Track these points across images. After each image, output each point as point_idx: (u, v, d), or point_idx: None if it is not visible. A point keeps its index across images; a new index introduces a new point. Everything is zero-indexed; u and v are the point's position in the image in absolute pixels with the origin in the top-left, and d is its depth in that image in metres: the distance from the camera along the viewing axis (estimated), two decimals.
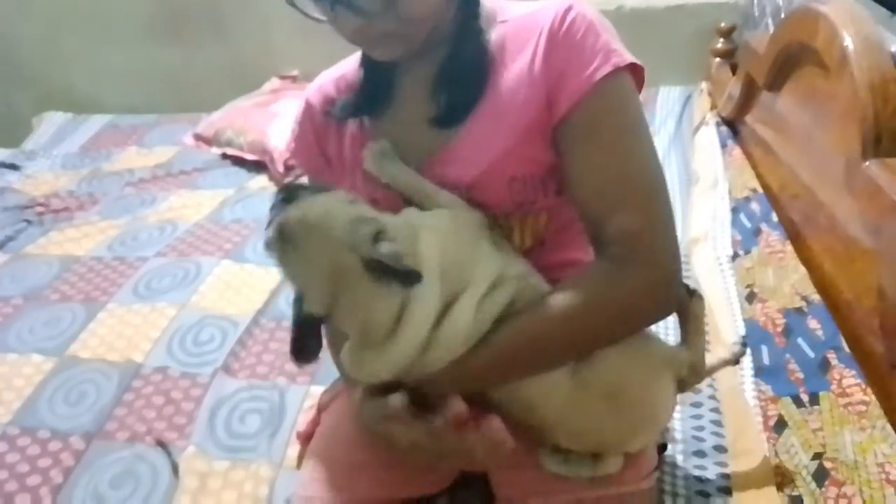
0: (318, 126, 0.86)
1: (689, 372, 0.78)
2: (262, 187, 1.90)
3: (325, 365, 1.14)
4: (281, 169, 1.89)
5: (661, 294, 0.70)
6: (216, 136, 2.12)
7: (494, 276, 0.70)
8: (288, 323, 1.32)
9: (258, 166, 1.99)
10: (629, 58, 0.71)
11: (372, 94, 0.81)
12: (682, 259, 1.40)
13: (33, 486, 1.05)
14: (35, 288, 1.53)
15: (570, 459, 0.79)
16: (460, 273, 0.68)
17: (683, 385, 0.80)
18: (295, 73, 2.44)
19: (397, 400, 0.68)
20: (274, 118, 2.04)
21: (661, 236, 0.69)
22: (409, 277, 0.63)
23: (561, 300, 0.69)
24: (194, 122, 2.30)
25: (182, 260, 1.57)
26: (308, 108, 0.87)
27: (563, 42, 0.71)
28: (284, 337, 1.30)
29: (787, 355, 1.11)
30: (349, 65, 0.87)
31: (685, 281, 0.78)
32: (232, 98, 2.30)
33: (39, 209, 1.87)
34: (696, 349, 0.79)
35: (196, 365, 1.25)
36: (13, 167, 2.19)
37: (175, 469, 1.05)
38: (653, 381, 0.76)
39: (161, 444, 1.09)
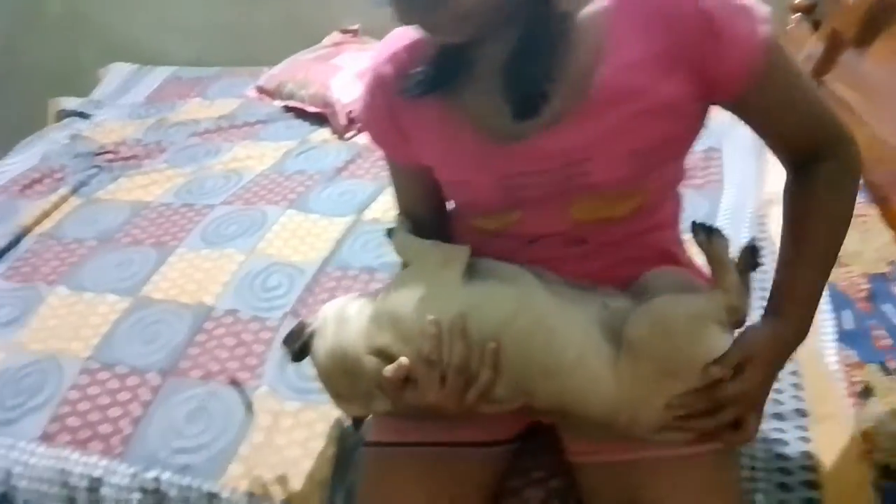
0: (391, 98, 0.79)
1: (732, 312, 0.74)
2: (325, 140, 1.90)
3: None
4: (343, 122, 1.89)
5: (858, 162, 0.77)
6: (278, 89, 2.13)
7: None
8: (354, 273, 1.34)
9: (320, 119, 1.98)
10: (760, 5, 0.68)
11: (448, 68, 0.74)
12: (758, 220, 1.38)
13: (114, 417, 1.09)
14: (107, 231, 1.57)
15: None
16: (410, 320, 0.76)
17: (736, 325, 0.76)
18: (356, 26, 2.41)
19: (389, 371, 0.73)
20: (336, 71, 2.03)
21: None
22: None
23: (825, 200, 0.74)
24: (255, 75, 2.30)
25: (248, 208, 1.58)
26: (378, 79, 0.79)
27: (702, 15, 0.65)
28: (350, 286, 1.31)
29: (873, 321, 1.07)
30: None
31: (707, 223, 0.75)
32: (292, 52, 2.29)
33: (109, 156, 1.91)
34: (729, 287, 0.74)
35: (265, 309, 1.27)
36: (83, 115, 2.24)
37: (249, 406, 1.07)
38: (699, 341, 0.72)
39: (235, 383, 1.12)
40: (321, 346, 0.78)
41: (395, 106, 0.79)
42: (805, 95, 0.73)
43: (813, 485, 0.86)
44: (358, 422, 0.85)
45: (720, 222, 1.34)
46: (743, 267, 0.76)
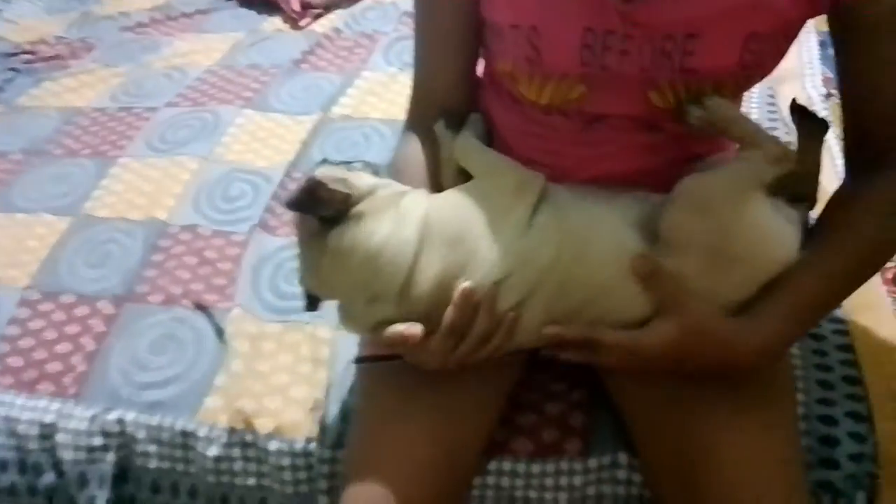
0: None
1: (777, 161, 0.62)
2: (278, 29, 1.68)
3: None
4: (297, 7, 1.67)
5: None
6: None
7: (500, 274, 0.61)
8: None
9: (269, 6, 1.75)
10: None
11: None
12: (768, 97, 1.27)
13: (64, 353, 0.95)
14: (35, 142, 1.36)
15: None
16: (468, 249, 0.62)
17: (786, 181, 0.64)
18: None
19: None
20: None
21: None
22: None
23: (881, 225, 0.62)
24: None
25: (198, 109, 1.39)
26: None
27: None
28: None
29: None
30: None
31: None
32: None
33: (27, 57, 1.66)
34: (760, 140, 0.63)
35: (229, 223, 1.12)
36: None
37: (220, 333, 0.94)
38: (743, 212, 0.62)
39: (201, 308, 0.98)
40: (377, 231, 0.62)
41: None
42: None
43: (855, 381, 0.79)
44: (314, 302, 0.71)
45: None
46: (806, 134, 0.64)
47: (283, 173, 1.20)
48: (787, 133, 1.18)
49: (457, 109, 0.75)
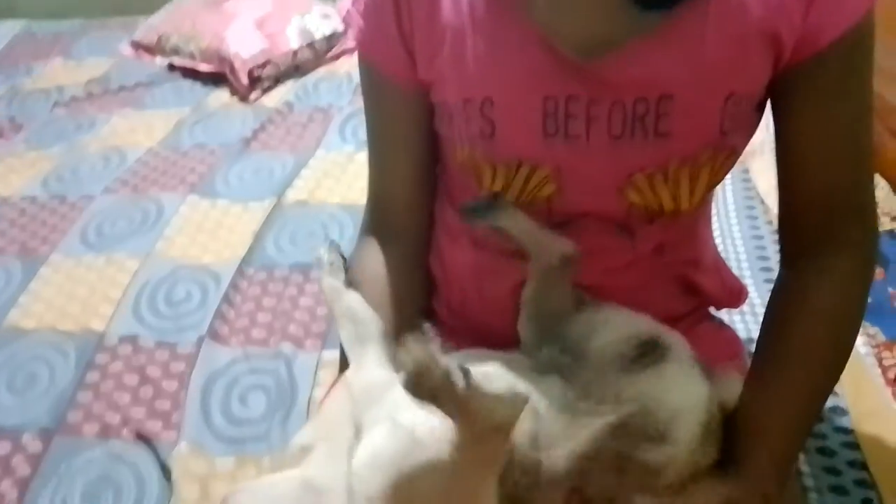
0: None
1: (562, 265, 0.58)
2: (224, 104, 1.59)
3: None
4: (245, 81, 1.59)
5: None
6: (159, 44, 1.78)
7: None
8: (283, 272, 1.10)
9: (216, 79, 1.67)
10: None
11: None
12: (742, 172, 1.24)
13: None
14: None
15: None
16: None
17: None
18: None
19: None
20: (230, 19, 1.71)
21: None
22: None
23: (833, 303, 0.57)
24: (129, 27, 1.94)
25: (138, 198, 1.29)
26: None
27: None
28: (280, 291, 1.06)
29: (890, 289, 0.96)
30: None
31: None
32: None
33: None
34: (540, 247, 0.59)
35: (173, 331, 1.01)
36: None
37: (166, 473, 0.83)
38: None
39: (143, 439, 0.87)
40: None
41: (403, 9, 0.57)
42: (862, 116, 0.57)
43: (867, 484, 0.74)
44: None
45: None
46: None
47: (233, 271, 1.10)
48: (764, 212, 1.16)
49: (413, 222, 0.70)
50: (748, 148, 0.64)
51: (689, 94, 0.53)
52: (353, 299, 0.65)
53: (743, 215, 1.16)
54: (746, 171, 1.22)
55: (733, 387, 0.58)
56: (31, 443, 0.88)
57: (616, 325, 0.58)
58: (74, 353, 0.99)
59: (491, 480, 0.47)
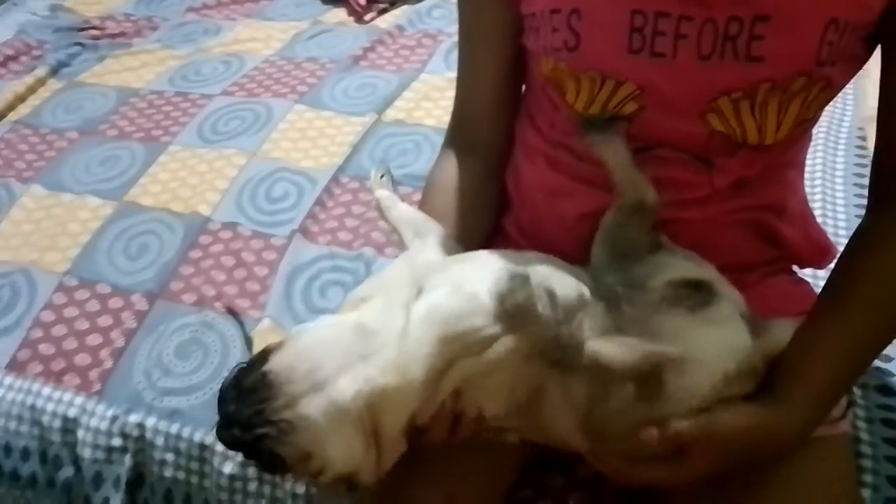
0: None
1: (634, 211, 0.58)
2: (340, 22, 1.64)
3: None
4: (363, 1, 1.63)
5: None
6: None
7: None
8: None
9: None
10: None
11: None
12: (857, 136, 1.16)
13: (93, 346, 0.94)
14: (91, 121, 1.36)
15: None
16: None
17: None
18: None
19: None
20: None
21: None
22: None
23: None
24: None
25: (251, 101, 1.37)
26: None
27: None
28: (368, 200, 1.12)
29: None
30: None
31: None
32: None
33: (94, 32, 1.67)
34: (623, 188, 0.59)
35: (269, 224, 1.09)
36: None
37: (248, 343, 0.92)
38: None
39: (232, 313, 0.96)
40: None
41: None
42: None
43: None
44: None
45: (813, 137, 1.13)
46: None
47: (329, 177, 1.16)
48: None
49: (493, 136, 0.73)
50: (867, 113, 0.61)
51: (787, 15, 0.51)
52: (405, 208, 0.69)
53: (850, 182, 1.10)
54: (864, 138, 1.15)
55: (785, 333, 0.58)
56: (139, 301, 0.99)
57: (675, 269, 0.59)
58: (182, 231, 1.09)
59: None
